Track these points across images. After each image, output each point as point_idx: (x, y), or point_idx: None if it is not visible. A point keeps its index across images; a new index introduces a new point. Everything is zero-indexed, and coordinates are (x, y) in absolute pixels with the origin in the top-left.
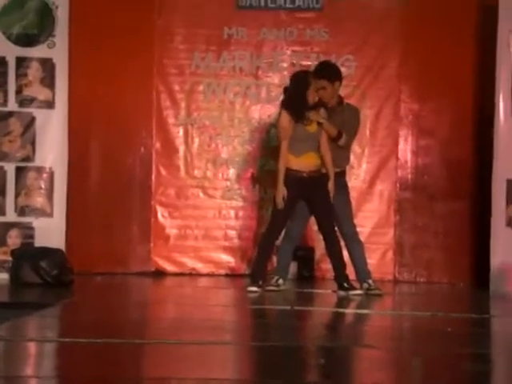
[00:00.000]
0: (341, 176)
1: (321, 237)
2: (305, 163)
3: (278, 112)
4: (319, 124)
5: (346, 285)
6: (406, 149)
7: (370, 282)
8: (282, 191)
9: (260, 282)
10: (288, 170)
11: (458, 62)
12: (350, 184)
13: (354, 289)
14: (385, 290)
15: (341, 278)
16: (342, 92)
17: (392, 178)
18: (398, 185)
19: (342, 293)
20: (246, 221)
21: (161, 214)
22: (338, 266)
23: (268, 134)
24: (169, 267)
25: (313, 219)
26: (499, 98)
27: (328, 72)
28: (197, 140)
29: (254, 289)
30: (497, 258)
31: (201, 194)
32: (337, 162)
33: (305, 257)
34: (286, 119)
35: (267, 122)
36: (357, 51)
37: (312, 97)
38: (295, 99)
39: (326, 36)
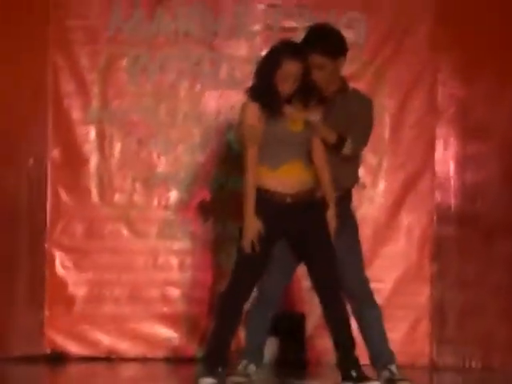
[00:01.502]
0: (343, 202)
1: (315, 298)
2: (287, 180)
3: (242, 105)
4: (308, 124)
5: (354, 373)
6: (447, 159)
7: (393, 368)
8: (252, 227)
9: (219, 370)
10: (260, 193)
11: None
12: (358, 214)
13: (368, 380)
14: (416, 380)
15: (347, 363)
16: (346, 71)
17: (426, 204)
18: (435, 216)
19: None
20: (195, 273)
21: (60, 263)
22: (344, 343)
23: (227, 134)
24: (73, 348)
25: (301, 272)
26: None
27: (326, 42)
28: (118, 146)
29: (208, 381)
30: None
31: (125, 232)
32: (337, 181)
33: (291, 330)
34: (252, 113)
35: (229, 117)
36: (368, 7)
37: (285, 84)
38: (263, 86)
39: None
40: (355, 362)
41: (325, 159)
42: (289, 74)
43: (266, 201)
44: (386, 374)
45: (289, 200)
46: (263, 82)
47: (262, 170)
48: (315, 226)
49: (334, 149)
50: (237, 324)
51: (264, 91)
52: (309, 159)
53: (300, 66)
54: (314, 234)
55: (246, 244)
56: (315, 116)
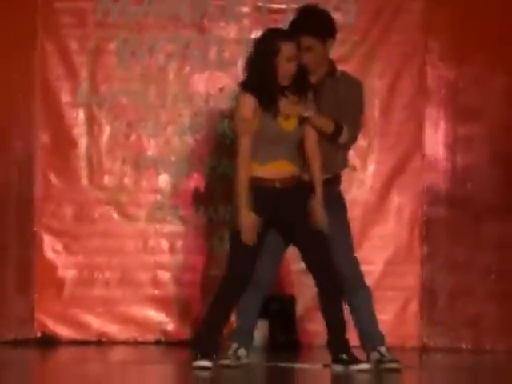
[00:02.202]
0: (332, 185)
1: (304, 280)
2: (274, 171)
3: (236, 95)
4: (303, 119)
5: (345, 356)
6: (436, 140)
7: (383, 350)
8: (247, 221)
9: (213, 355)
10: (250, 181)
11: None
12: (348, 196)
13: (358, 362)
14: (405, 362)
15: (338, 344)
16: (336, 52)
17: (416, 186)
18: (425, 197)
19: (339, 368)
20: (186, 256)
21: (50, 246)
22: (336, 326)
23: (220, 122)
24: (64, 332)
25: (291, 254)
26: None
27: (315, 23)
28: (107, 129)
29: (204, 364)
30: None
31: (114, 215)
32: (327, 166)
33: (281, 312)
34: (248, 106)
35: (218, 99)
36: None
37: (288, 65)
38: (260, 77)
39: None
40: (345, 345)
41: (317, 148)
42: (290, 55)
43: (256, 188)
44: (375, 355)
45: (277, 185)
46: (262, 72)
47: (253, 164)
48: (304, 208)
49: (330, 138)
50: (231, 310)
51: (263, 82)
52: (295, 158)
53: (296, 48)
54: (305, 218)
55: (245, 238)
56: (310, 111)
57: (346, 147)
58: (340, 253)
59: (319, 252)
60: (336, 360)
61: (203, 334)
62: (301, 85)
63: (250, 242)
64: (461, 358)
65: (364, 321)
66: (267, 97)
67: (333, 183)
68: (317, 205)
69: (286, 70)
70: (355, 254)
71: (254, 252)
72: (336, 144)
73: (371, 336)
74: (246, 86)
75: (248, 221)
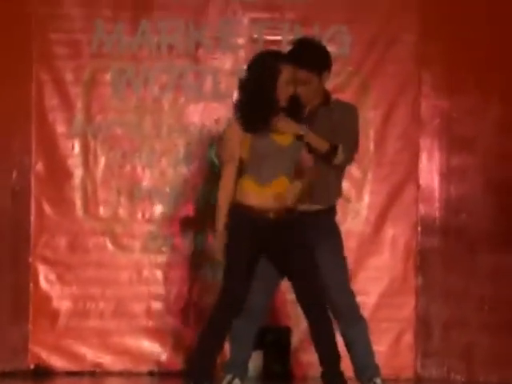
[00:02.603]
0: (327, 216)
1: (300, 311)
2: (273, 196)
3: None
4: (298, 137)
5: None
6: (431, 170)
7: (378, 381)
8: (222, 239)
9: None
10: (241, 208)
11: (511, 35)
12: (343, 227)
13: None
14: None
15: (332, 377)
16: (331, 83)
17: (410, 216)
18: (419, 228)
19: None
20: (181, 286)
21: (44, 277)
22: (329, 356)
23: (209, 150)
24: (58, 363)
25: (286, 285)
26: None
27: (311, 56)
28: (102, 159)
29: None
30: None
31: (109, 246)
32: (320, 195)
33: (276, 343)
34: (233, 131)
35: (213, 129)
36: (353, 19)
37: (285, 93)
38: (257, 97)
39: None
40: (340, 377)
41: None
42: (289, 78)
43: (247, 216)
44: None
45: (271, 215)
46: (261, 92)
47: (249, 184)
48: (297, 241)
49: (325, 158)
50: (224, 338)
51: (259, 102)
52: (292, 174)
53: (293, 71)
54: (296, 250)
55: (218, 254)
56: (304, 129)
57: (341, 171)
58: (336, 285)
59: (309, 284)
60: None
61: (195, 362)
62: (294, 109)
63: (221, 258)
64: None
65: (360, 352)
66: (263, 115)
67: (328, 214)
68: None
69: (285, 93)
70: (351, 286)
71: (246, 274)
72: (331, 165)
73: (367, 367)
74: (241, 106)
75: (221, 239)
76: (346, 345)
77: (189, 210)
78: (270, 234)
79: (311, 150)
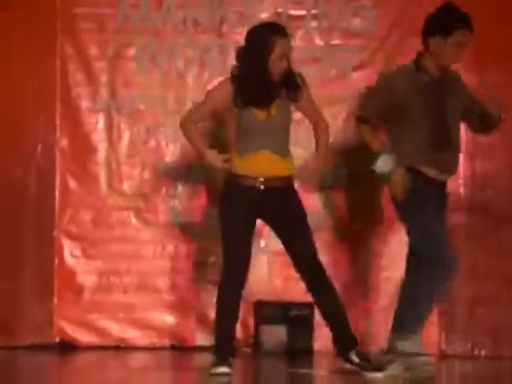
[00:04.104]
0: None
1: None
2: (254, 166)
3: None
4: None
5: (355, 358)
6: None
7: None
8: (213, 157)
9: (230, 359)
10: (232, 177)
11: None
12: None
13: (372, 368)
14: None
15: (343, 337)
16: (356, 58)
17: None
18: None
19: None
20: (204, 261)
21: (69, 252)
22: (336, 319)
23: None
24: (82, 337)
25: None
26: None
27: (469, 18)
28: (126, 134)
29: (224, 370)
30: None
31: (133, 221)
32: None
33: (299, 318)
34: (222, 86)
35: None
36: None
37: (278, 68)
38: (249, 70)
39: None
40: (350, 338)
41: (320, 116)
42: (284, 52)
43: (239, 185)
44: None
45: (259, 185)
46: (258, 67)
47: (235, 155)
48: (289, 206)
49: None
50: (237, 311)
51: (259, 77)
52: (282, 143)
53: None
54: (289, 215)
55: (216, 162)
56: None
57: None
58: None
59: (305, 252)
60: (346, 359)
61: (216, 340)
62: (290, 85)
63: (225, 166)
64: (479, 365)
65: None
66: (251, 88)
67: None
68: (311, 164)
69: (278, 67)
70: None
71: (243, 246)
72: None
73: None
74: (236, 77)
75: (214, 157)
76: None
77: (211, 186)
78: (261, 202)
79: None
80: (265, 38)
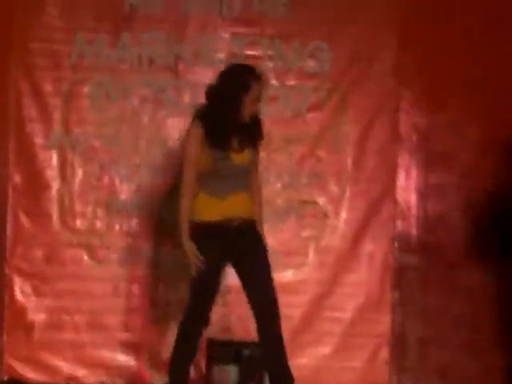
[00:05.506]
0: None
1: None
2: (232, 209)
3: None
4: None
5: None
6: (409, 187)
7: None
8: (190, 248)
9: None
10: (203, 225)
11: (490, 52)
12: (321, 243)
13: None
14: None
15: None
16: (310, 99)
17: (387, 232)
18: (396, 244)
19: None
20: (157, 301)
21: (20, 289)
22: (277, 359)
23: None
24: (32, 375)
25: None
26: None
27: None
28: (80, 172)
29: None
30: None
31: (86, 258)
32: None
33: (251, 358)
34: (195, 136)
35: None
36: (333, 35)
37: (250, 111)
38: (223, 109)
39: (285, 11)
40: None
41: (259, 184)
42: (256, 95)
43: (210, 230)
44: None
45: (235, 225)
46: (229, 106)
47: (207, 201)
48: (255, 248)
49: None
50: (196, 350)
51: (224, 115)
52: (249, 190)
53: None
54: (254, 256)
55: (193, 264)
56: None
57: None
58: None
59: (262, 289)
60: None
61: (170, 375)
62: (255, 129)
63: (198, 266)
64: None
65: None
66: (223, 132)
67: None
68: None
69: (250, 110)
70: None
71: (210, 286)
72: None
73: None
74: (201, 115)
75: (189, 249)
76: None
77: (162, 224)
78: (232, 241)
79: None
80: (242, 79)
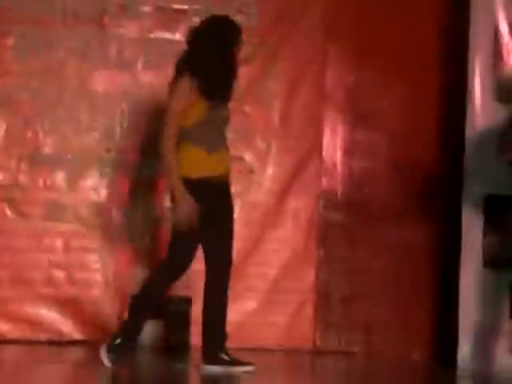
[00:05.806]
0: None
1: (201, 282)
2: (219, 165)
3: (173, 78)
4: None
5: (223, 356)
6: (334, 144)
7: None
8: (192, 205)
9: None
10: (193, 180)
11: (418, 12)
12: (246, 199)
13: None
14: (299, 364)
15: (216, 341)
16: (240, 53)
17: (313, 189)
18: (321, 201)
19: (218, 369)
20: (81, 254)
21: None
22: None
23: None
24: None
25: None
26: (474, 72)
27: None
28: (3, 125)
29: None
30: (467, 317)
31: (8, 212)
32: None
33: (176, 313)
34: (183, 89)
35: (118, 98)
36: None
37: (237, 61)
38: (221, 64)
39: None
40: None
41: None
42: (241, 48)
43: (202, 187)
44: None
45: (224, 180)
46: (223, 60)
47: (197, 154)
48: (232, 207)
49: None
50: (158, 303)
51: (225, 71)
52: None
53: None
54: (228, 214)
55: (182, 220)
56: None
57: None
58: None
59: (223, 248)
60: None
61: (126, 322)
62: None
63: (190, 227)
64: (353, 360)
65: None
66: (228, 83)
67: None
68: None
69: (237, 61)
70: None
71: (192, 243)
72: None
73: None
74: (195, 69)
75: (185, 203)
76: None
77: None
78: (224, 196)
79: None
80: (232, 31)
